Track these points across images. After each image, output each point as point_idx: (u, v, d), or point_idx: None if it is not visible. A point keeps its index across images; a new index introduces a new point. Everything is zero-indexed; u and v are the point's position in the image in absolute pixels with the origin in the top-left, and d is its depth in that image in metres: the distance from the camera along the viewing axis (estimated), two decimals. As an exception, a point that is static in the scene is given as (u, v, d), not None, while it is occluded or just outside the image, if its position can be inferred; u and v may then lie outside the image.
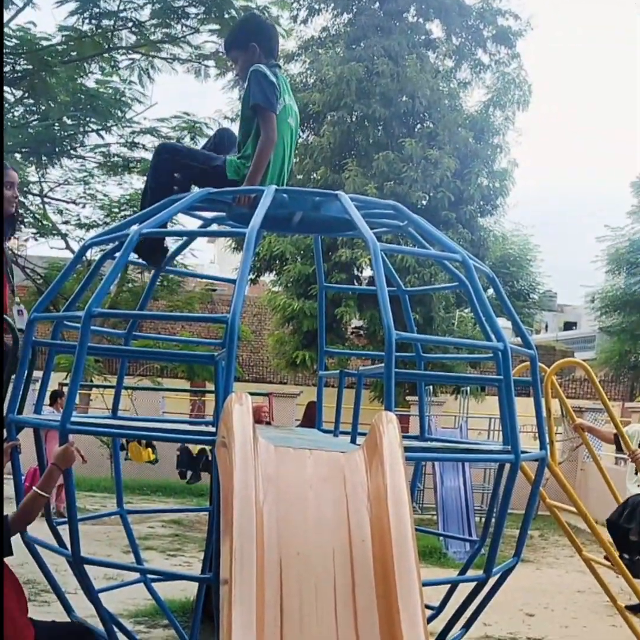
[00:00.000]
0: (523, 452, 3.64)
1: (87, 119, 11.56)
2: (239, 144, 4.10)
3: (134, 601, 6.90)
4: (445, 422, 15.57)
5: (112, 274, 3.66)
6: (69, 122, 11.79)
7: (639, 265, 20.44)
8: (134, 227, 3.75)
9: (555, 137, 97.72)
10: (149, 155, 13.07)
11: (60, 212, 14.80)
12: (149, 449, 13.25)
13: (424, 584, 2.63)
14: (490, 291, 4.66)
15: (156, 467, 15.08)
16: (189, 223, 4.92)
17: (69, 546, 3.57)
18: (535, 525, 13.31)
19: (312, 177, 17.45)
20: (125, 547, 5.10)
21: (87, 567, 3.60)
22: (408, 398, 15.95)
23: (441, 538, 10.85)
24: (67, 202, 14.61)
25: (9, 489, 4.34)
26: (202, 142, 13.16)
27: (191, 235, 4.11)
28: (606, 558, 5.05)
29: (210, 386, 12.96)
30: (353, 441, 3.51)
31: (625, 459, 5.62)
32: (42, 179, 13.89)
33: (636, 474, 5.39)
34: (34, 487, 3.35)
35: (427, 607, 4.24)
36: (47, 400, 7.08)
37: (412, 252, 5.73)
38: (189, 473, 13.88)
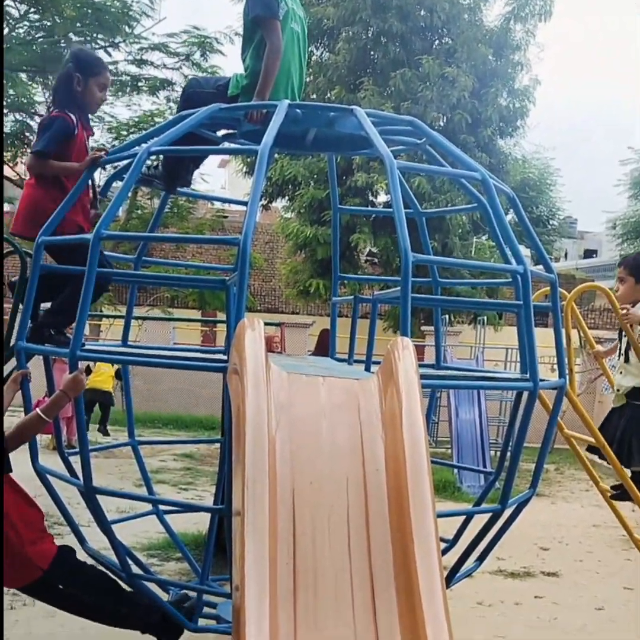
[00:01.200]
0: (541, 380, 3.55)
1: (94, 34, 11.21)
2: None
3: (147, 534, 6.97)
4: (461, 353, 15.46)
5: (121, 195, 3.54)
6: (75, 38, 11.43)
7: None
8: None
9: (580, 51, 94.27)
10: (158, 73, 12.72)
11: (68, 134, 14.51)
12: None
13: (439, 516, 2.58)
14: (510, 216, 4.50)
15: (167, 400, 15.13)
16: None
17: (80, 477, 3.54)
18: (551, 458, 13.31)
19: (326, 97, 16.97)
20: (138, 480, 5.10)
21: (99, 500, 3.58)
22: (423, 328, 15.86)
23: (455, 472, 10.80)
24: (75, 124, 14.30)
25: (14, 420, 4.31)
26: (212, 57, 12.78)
27: (202, 153, 3.96)
28: (614, 488, 5.00)
29: (221, 316, 12.88)
30: (367, 369, 3.43)
31: None
32: (50, 99, 13.58)
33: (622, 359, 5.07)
34: (38, 409, 3.27)
35: (442, 539, 4.23)
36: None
37: (430, 171, 5.53)
38: None
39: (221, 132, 4.17)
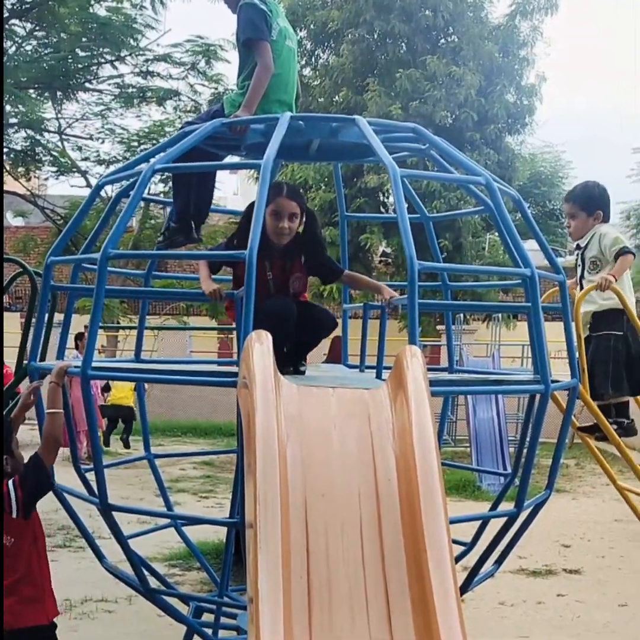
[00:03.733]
0: (554, 381, 3.54)
1: (100, 49, 11.34)
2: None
3: (168, 545, 7.00)
4: (478, 351, 15.41)
5: (126, 213, 3.56)
6: (81, 53, 11.56)
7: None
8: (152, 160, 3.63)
9: (587, 45, 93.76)
10: (164, 83, 12.81)
11: (79, 148, 14.64)
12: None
13: (453, 521, 2.59)
14: (519, 214, 4.49)
15: (186, 408, 15.14)
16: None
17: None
18: (572, 454, 13.21)
19: (334, 99, 16.96)
20: (158, 490, 5.12)
21: (119, 512, 3.61)
22: (438, 327, 15.80)
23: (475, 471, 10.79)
24: (86, 138, 14.43)
25: (35, 434, 4.36)
26: (217, 66, 12.83)
27: (207, 169, 3.98)
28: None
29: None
30: (378, 376, 3.44)
31: None
32: (59, 115, 13.69)
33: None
34: (46, 410, 3.37)
35: (460, 543, 4.22)
36: (70, 343, 7.07)
37: (433, 177, 5.55)
38: None
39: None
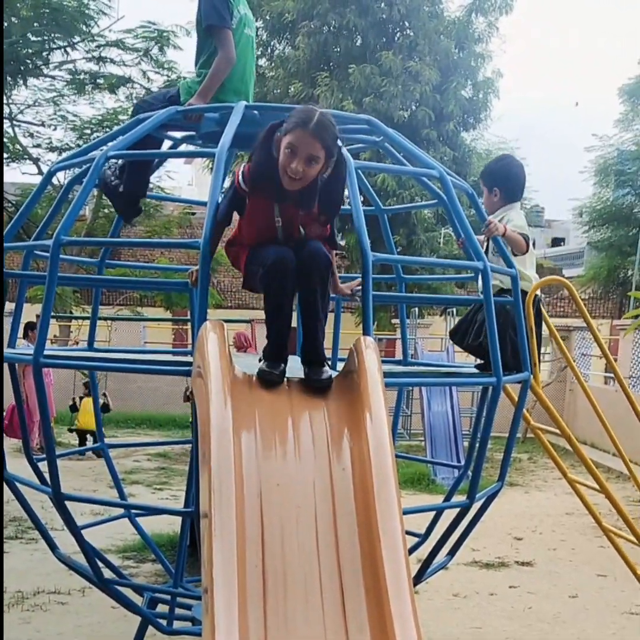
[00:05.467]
0: (505, 374, 3.59)
1: (52, 34, 11.09)
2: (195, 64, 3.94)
3: (122, 536, 6.94)
4: (433, 345, 15.52)
5: (79, 200, 3.50)
6: (33, 38, 11.31)
7: (627, 174, 20.06)
8: (104, 148, 3.58)
9: (541, 43, 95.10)
10: (117, 70, 12.62)
11: (31, 135, 14.35)
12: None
13: (406, 512, 2.60)
14: (473, 210, 4.50)
15: (140, 400, 14.99)
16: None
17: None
18: (524, 448, 13.41)
19: (289, 91, 16.93)
20: (112, 481, 5.06)
21: (73, 503, 3.57)
22: (394, 321, 15.88)
23: (429, 465, 10.83)
24: (37, 125, 14.14)
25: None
26: (169, 53, 12.68)
27: (159, 157, 3.94)
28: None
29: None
30: (333, 368, 3.45)
31: (614, 378, 5.23)
32: (10, 101, 13.40)
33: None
34: None
35: (414, 534, 4.25)
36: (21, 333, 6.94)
37: (388, 169, 5.57)
38: None
39: (180, 134, 4.16)
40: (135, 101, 13.31)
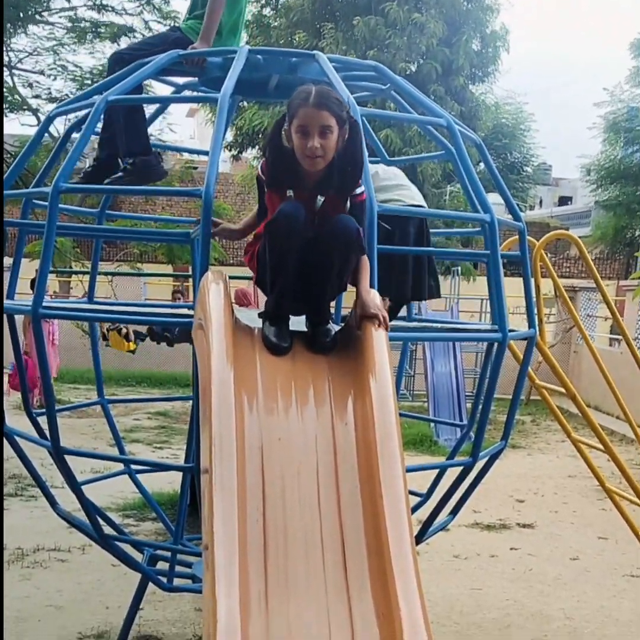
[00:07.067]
0: (511, 331, 3.53)
1: (52, -22, 10.81)
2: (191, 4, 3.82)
3: (122, 494, 6.95)
4: (437, 305, 15.42)
5: (79, 146, 3.41)
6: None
7: (637, 132, 19.71)
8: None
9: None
10: (118, 19, 12.33)
11: (31, 85, 14.05)
12: (130, 343, 12.93)
13: (409, 470, 2.57)
14: (482, 165, 4.41)
15: (141, 357, 14.96)
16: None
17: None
18: (527, 410, 13.41)
19: (293, 42, 16.58)
20: (111, 439, 5.02)
21: (73, 461, 3.53)
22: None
23: (432, 426, 10.80)
24: (37, 74, 13.86)
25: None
26: (173, 2, 12.39)
27: (161, 102, 3.83)
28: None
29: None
30: (337, 322, 3.38)
31: (619, 340, 5.25)
32: (9, 48, 13.13)
33: None
34: None
35: (415, 494, 4.23)
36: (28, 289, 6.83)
37: (394, 117, 5.43)
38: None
39: (182, 80, 4.04)
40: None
